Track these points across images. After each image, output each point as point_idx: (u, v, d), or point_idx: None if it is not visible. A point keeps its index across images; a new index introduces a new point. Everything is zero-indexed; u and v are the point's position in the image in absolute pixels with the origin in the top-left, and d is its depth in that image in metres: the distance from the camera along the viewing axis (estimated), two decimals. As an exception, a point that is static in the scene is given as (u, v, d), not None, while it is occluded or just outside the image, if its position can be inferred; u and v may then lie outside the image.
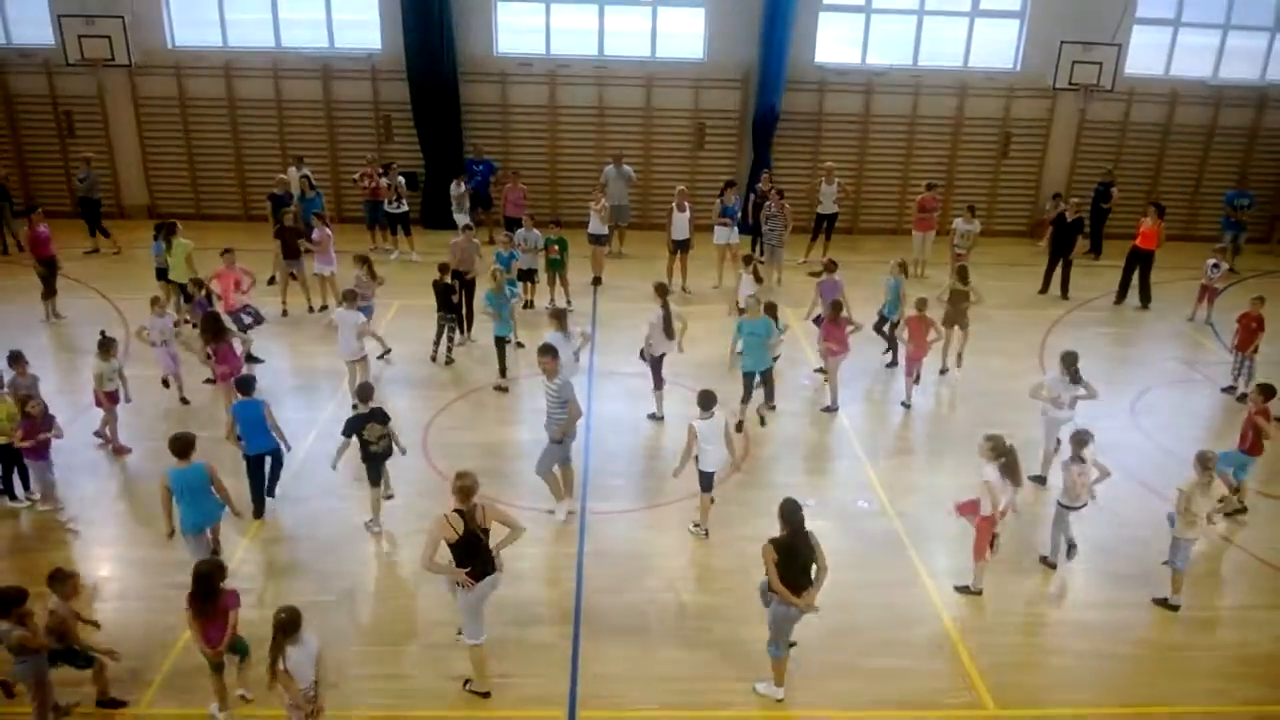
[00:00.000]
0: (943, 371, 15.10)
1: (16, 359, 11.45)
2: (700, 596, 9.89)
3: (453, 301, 14.89)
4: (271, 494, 11.04)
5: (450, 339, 15.05)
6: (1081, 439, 10.06)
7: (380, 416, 10.47)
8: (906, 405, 14.02)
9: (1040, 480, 11.98)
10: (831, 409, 13.80)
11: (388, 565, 10.40)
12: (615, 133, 22.28)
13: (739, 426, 12.75)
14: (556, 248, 17.02)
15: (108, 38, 20.82)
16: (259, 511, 10.84)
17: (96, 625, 8.62)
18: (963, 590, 9.99)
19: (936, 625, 9.52)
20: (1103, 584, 10.28)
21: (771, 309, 13.47)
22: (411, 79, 21.34)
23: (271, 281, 17.53)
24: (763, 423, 13.31)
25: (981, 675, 8.82)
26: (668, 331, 13.34)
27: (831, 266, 15.11)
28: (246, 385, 10.79)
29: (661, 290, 13.61)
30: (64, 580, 8.03)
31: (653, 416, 13.56)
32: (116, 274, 18.71)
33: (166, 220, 16.99)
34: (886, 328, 15.26)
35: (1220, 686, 8.83)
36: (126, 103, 21.91)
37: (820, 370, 14.54)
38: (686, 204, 18.68)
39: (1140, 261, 18.62)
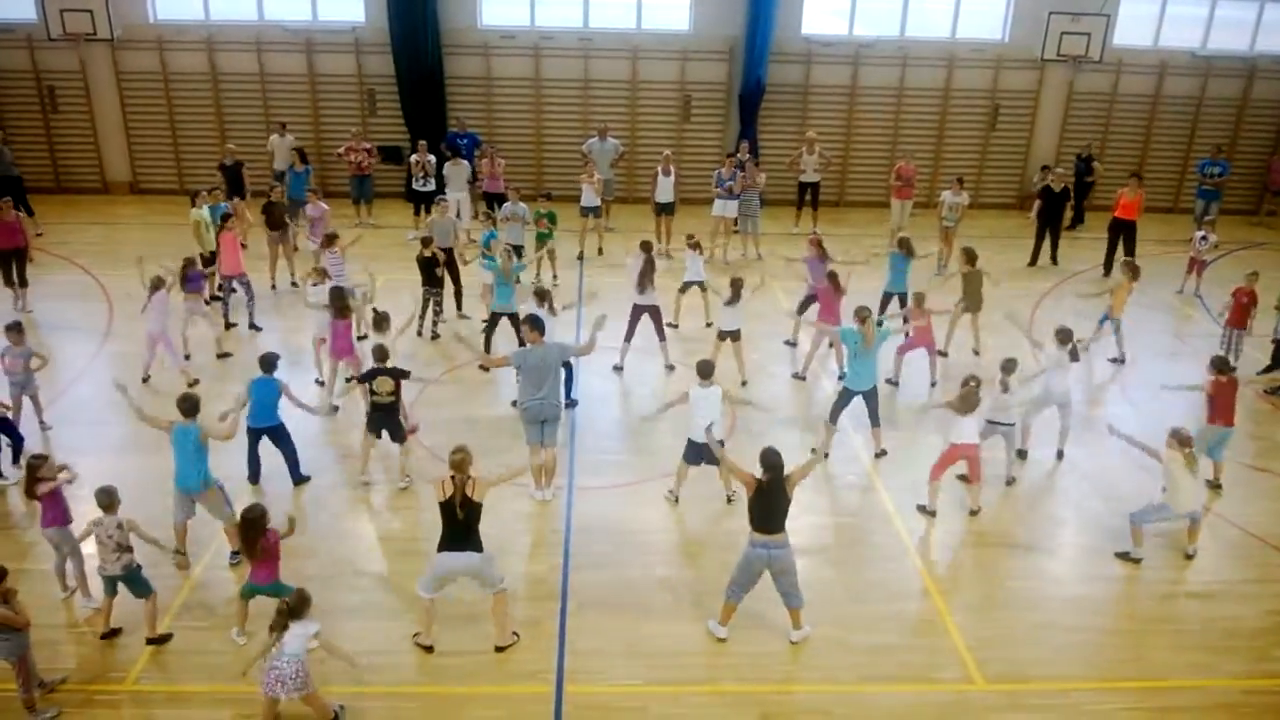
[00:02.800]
0: (975, 353, 14.82)
1: (13, 329, 11.46)
2: (687, 571, 9.86)
3: (436, 275, 14.79)
4: (298, 478, 11.05)
5: (436, 314, 14.95)
6: (1008, 366, 11.06)
7: (394, 372, 10.80)
8: (893, 382, 13.95)
9: (1021, 454, 12.00)
10: (800, 376, 14.09)
11: (369, 541, 10.32)
12: (600, 106, 22.10)
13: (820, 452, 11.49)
14: (546, 221, 16.86)
15: (89, 12, 20.60)
16: (254, 478, 10.99)
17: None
18: (921, 510, 10.86)
19: (925, 601, 9.52)
20: (1091, 559, 10.29)
21: (736, 284, 13.30)
22: (395, 52, 21.15)
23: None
24: (881, 453, 12.12)
25: (970, 650, 8.82)
26: (642, 282, 13.62)
27: (817, 241, 14.99)
28: (267, 363, 10.75)
29: (646, 246, 13.96)
30: (110, 494, 8.43)
31: (616, 368, 14.05)
32: (101, 250, 18.53)
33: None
34: (894, 304, 14.93)
35: (1208, 660, 8.84)
36: (109, 78, 21.67)
37: (789, 342, 15.04)
38: (672, 168, 19.01)
39: (1123, 232, 18.59)
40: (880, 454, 12.02)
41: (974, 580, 9.90)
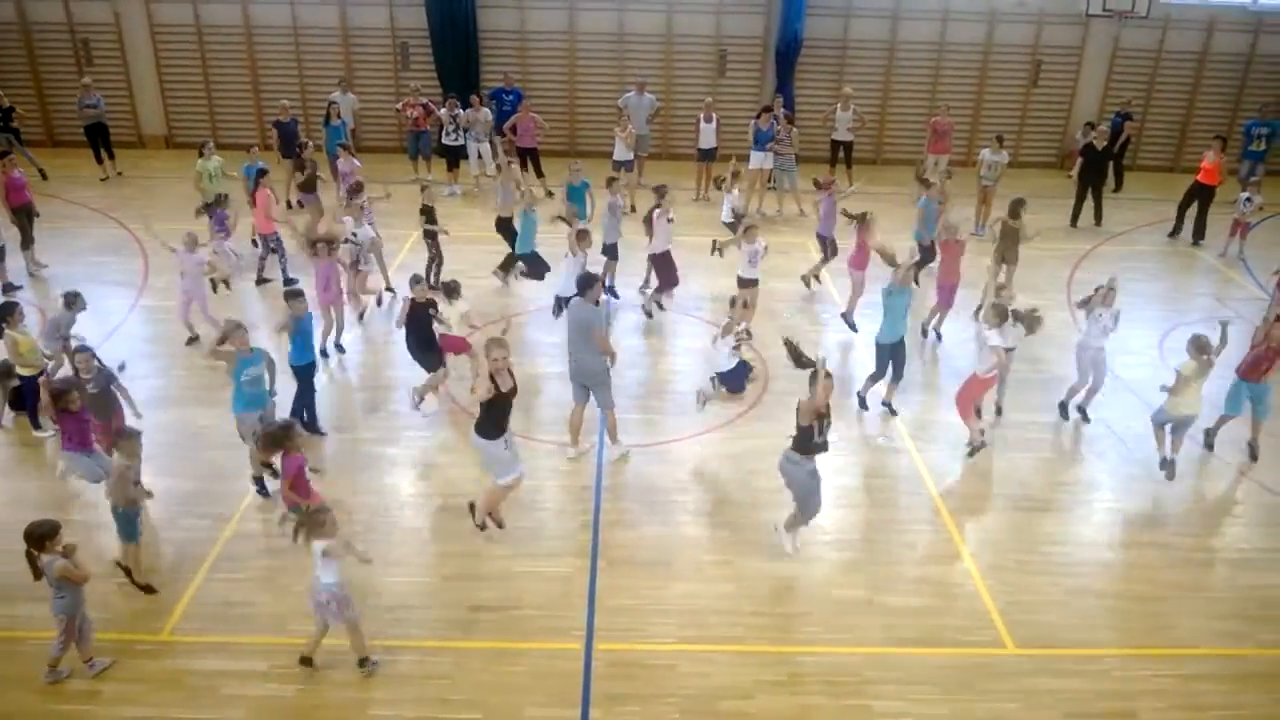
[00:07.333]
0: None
1: (71, 298, 11.56)
2: (716, 531, 9.86)
3: (435, 220, 14.67)
4: (314, 429, 11.11)
5: (437, 264, 14.75)
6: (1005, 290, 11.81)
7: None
8: (934, 333, 13.86)
9: (1081, 413, 11.94)
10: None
11: (404, 495, 10.39)
12: (635, 60, 21.87)
13: (862, 403, 12.10)
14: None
15: (123, -37, 20.54)
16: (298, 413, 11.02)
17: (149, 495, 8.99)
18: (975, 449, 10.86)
19: (957, 564, 9.48)
20: (1124, 524, 10.20)
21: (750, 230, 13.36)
22: (429, 5, 20.98)
23: (290, 206, 17.67)
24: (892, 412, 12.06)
25: (1001, 614, 8.78)
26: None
27: (828, 185, 15.01)
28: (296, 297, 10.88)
29: (660, 191, 14.26)
30: (131, 438, 8.67)
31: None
32: (136, 204, 18.59)
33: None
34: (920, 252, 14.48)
35: (1241, 629, 8.76)
36: (143, 30, 21.64)
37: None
38: (714, 114, 19.40)
39: (1201, 197, 18.25)
40: (886, 405, 11.94)
41: (1006, 544, 9.83)
